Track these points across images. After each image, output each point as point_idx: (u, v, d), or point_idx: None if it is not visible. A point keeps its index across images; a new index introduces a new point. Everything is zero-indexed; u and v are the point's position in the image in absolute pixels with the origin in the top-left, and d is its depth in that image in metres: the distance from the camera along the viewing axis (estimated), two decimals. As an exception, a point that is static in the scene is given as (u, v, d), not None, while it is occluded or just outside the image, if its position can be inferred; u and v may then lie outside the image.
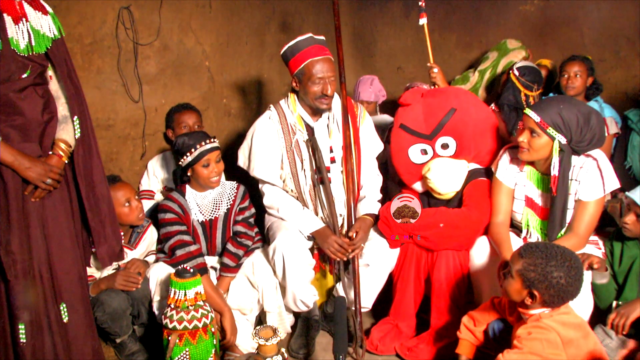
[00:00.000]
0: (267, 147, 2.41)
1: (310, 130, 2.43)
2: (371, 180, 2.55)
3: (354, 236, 2.34)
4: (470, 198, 2.36)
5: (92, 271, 2.25)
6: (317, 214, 2.46)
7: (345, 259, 2.33)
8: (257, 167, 2.43)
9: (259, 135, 2.43)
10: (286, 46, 2.34)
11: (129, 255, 2.36)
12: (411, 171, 2.51)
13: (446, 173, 2.37)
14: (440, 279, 2.34)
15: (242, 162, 2.52)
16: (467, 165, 2.44)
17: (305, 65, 2.29)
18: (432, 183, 2.38)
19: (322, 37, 2.37)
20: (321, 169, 2.38)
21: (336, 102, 2.44)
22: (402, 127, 2.51)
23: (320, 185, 2.42)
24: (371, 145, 2.56)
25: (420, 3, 2.68)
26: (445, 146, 2.44)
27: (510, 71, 2.92)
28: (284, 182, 2.45)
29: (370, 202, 2.48)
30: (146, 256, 2.43)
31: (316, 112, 2.43)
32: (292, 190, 2.46)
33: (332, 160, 2.45)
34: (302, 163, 2.41)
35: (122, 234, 2.27)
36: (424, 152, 2.48)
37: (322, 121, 2.46)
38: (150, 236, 2.45)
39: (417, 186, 2.53)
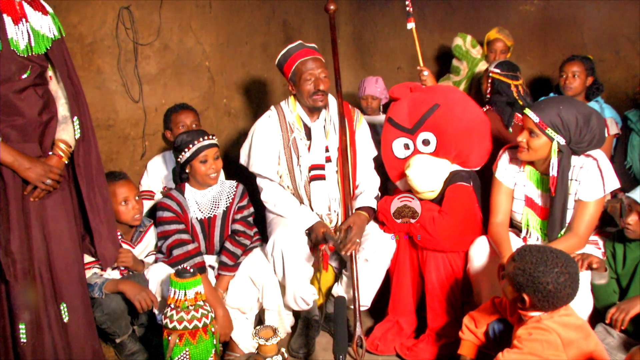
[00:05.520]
0: (265, 143, 2.47)
1: (307, 130, 2.48)
2: (368, 179, 2.57)
3: (347, 230, 2.34)
4: (446, 203, 2.33)
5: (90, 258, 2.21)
6: (312, 210, 2.48)
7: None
8: (255, 163, 2.48)
9: (258, 133, 2.49)
10: (279, 55, 2.46)
11: None
12: (395, 166, 2.53)
13: (425, 171, 2.34)
14: (431, 280, 2.35)
15: (243, 159, 2.57)
16: (449, 165, 2.42)
17: (297, 66, 2.39)
18: (411, 180, 2.36)
19: (313, 44, 2.48)
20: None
21: (333, 105, 2.50)
22: (389, 120, 2.53)
23: (312, 182, 2.45)
24: (366, 147, 2.61)
25: (407, 8, 2.70)
26: (426, 142, 2.43)
27: (491, 73, 2.88)
28: (280, 177, 2.49)
29: (366, 197, 2.49)
30: (146, 256, 2.43)
31: (314, 113, 2.49)
32: (288, 187, 2.50)
33: (328, 160, 2.48)
34: (298, 159, 2.45)
35: (120, 233, 2.28)
36: (407, 146, 2.48)
37: (320, 122, 2.51)
38: (152, 236, 2.45)
39: (400, 184, 2.54)
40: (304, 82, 2.38)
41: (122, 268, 2.30)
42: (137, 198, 2.36)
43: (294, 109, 2.48)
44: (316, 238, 2.35)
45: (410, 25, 2.73)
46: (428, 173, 2.34)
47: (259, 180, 2.53)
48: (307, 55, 2.39)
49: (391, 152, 2.53)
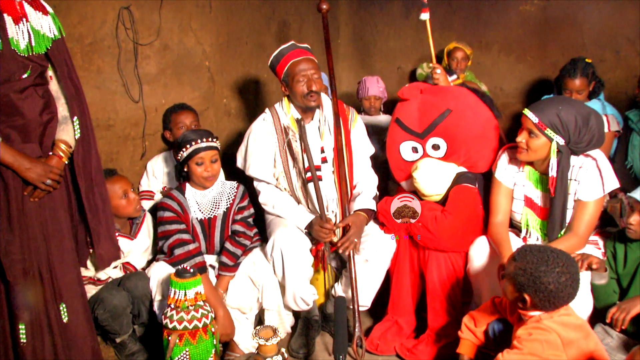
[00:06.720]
0: (261, 147, 2.47)
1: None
2: (366, 178, 2.57)
3: (346, 228, 2.35)
4: (450, 203, 2.34)
5: (85, 272, 2.23)
6: (309, 210, 2.48)
7: (329, 239, 2.35)
8: (252, 166, 2.48)
9: (254, 136, 2.49)
10: (272, 56, 2.45)
11: (130, 245, 2.38)
12: (401, 168, 2.53)
13: (433, 175, 2.35)
14: (433, 280, 2.35)
15: (239, 163, 2.58)
16: (456, 168, 2.42)
17: (289, 67, 2.38)
18: (418, 183, 2.36)
19: (306, 45, 2.46)
20: (310, 168, 2.39)
21: (327, 105, 2.49)
22: (397, 121, 2.51)
23: (310, 183, 2.45)
24: (363, 146, 2.60)
25: None
26: (436, 147, 2.42)
27: (468, 83, 2.96)
28: (277, 180, 2.49)
29: (365, 198, 2.49)
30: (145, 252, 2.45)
31: (307, 114, 2.49)
32: (285, 189, 2.50)
33: (324, 160, 2.48)
34: (294, 162, 2.45)
35: (117, 228, 2.27)
36: (415, 150, 2.47)
37: (314, 123, 2.50)
38: (149, 222, 2.48)
39: (406, 185, 2.53)
40: (296, 83, 2.36)
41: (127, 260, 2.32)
42: (133, 189, 2.38)
43: (288, 111, 2.47)
44: (317, 234, 2.35)
45: (425, 16, 2.58)
46: (436, 177, 2.35)
47: (256, 184, 2.54)
48: (299, 56, 2.38)
49: (398, 153, 2.51)
